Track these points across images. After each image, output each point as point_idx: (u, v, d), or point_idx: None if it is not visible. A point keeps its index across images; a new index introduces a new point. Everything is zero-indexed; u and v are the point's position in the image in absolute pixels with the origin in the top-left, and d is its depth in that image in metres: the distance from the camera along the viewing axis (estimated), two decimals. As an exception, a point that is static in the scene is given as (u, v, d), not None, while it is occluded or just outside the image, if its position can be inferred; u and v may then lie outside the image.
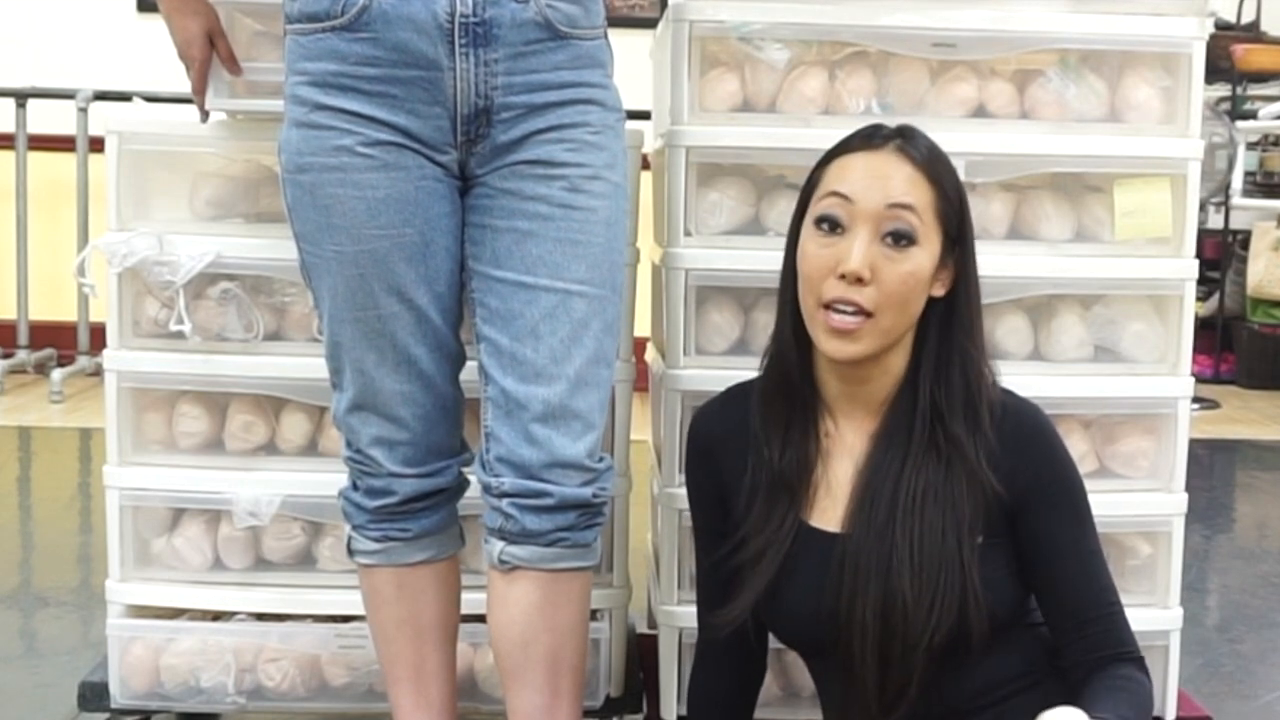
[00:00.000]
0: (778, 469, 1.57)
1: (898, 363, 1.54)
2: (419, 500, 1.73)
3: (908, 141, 1.53)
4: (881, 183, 1.49)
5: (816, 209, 1.51)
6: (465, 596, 1.85)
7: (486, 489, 1.65)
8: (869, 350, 1.49)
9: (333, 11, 1.59)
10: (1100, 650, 1.51)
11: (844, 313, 1.47)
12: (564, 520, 1.63)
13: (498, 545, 1.65)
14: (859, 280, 1.46)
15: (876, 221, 1.48)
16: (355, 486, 1.76)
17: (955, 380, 1.52)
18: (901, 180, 1.49)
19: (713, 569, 1.65)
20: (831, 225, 1.49)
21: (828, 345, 1.49)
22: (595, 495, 1.65)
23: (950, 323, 1.53)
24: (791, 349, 1.57)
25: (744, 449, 1.61)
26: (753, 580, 1.56)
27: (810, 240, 1.51)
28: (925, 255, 1.49)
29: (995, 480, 1.50)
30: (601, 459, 1.67)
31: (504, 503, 1.63)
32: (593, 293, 1.63)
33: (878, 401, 1.55)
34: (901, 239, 1.48)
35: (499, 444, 1.63)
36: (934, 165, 1.52)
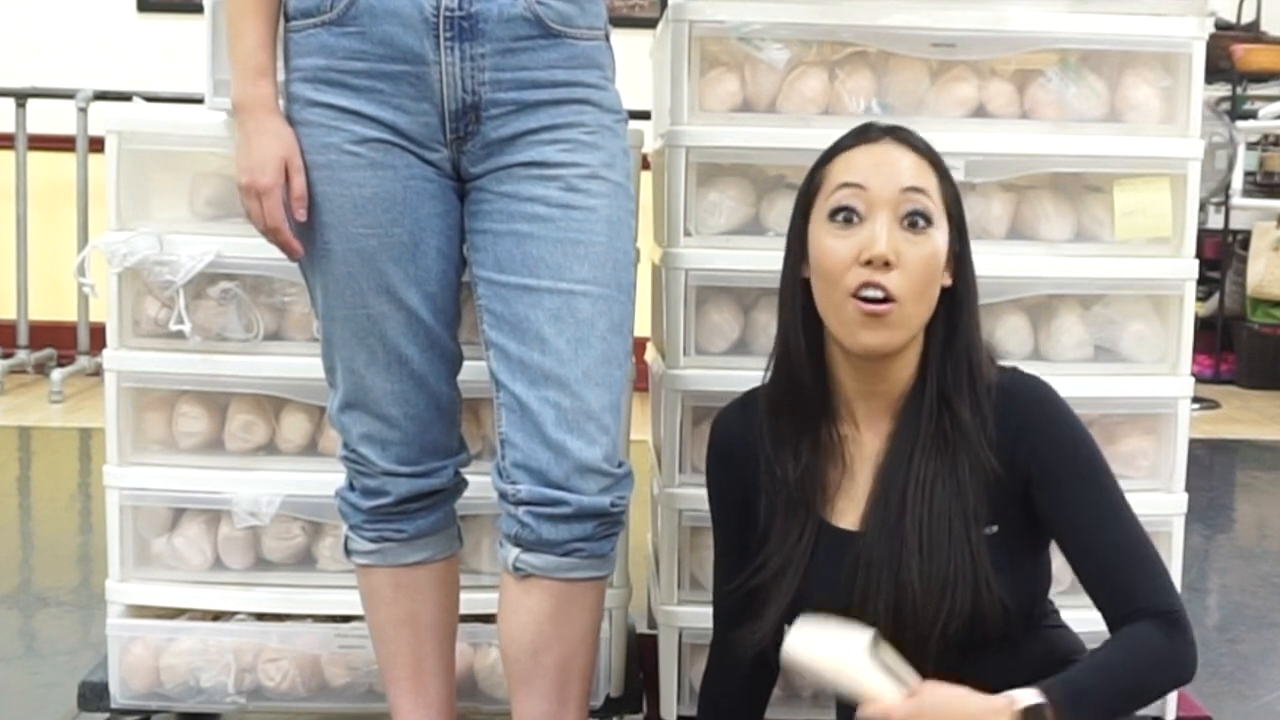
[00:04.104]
0: (793, 484, 1.56)
1: (911, 358, 1.54)
2: (414, 501, 1.73)
3: (902, 134, 1.54)
4: (891, 168, 1.49)
5: (829, 203, 1.50)
6: (465, 596, 1.85)
7: (503, 496, 1.63)
8: (899, 339, 1.48)
9: (322, 6, 1.60)
10: (1130, 602, 1.46)
11: (873, 299, 1.46)
12: (581, 530, 1.61)
13: (513, 552, 1.63)
14: (885, 265, 1.46)
15: (894, 205, 1.48)
16: (351, 486, 1.76)
17: (961, 367, 1.52)
18: (909, 165, 1.50)
19: (736, 587, 1.63)
20: (848, 216, 1.49)
21: (860, 337, 1.47)
22: (613, 504, 1.63)
23: (955, 312, 1.53)
24: (802, 355, 1.55)
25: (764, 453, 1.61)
26: (776, 597, 1.55)
27: (827, 235, 1.50)
28: (942, 237, 1.50)
29: (997, 461, 1.49)
30: (621, 464, 1.65)
31: (520, 510, 1.61)
32: (597, 292, 1.62)
33: (894, 398, 1.55)
34: (920, 220, 1.48)
35: (515, 450, 1.61)
36: (932, 153, 1.54)
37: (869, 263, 1.46)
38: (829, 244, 1.49)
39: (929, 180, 1.51)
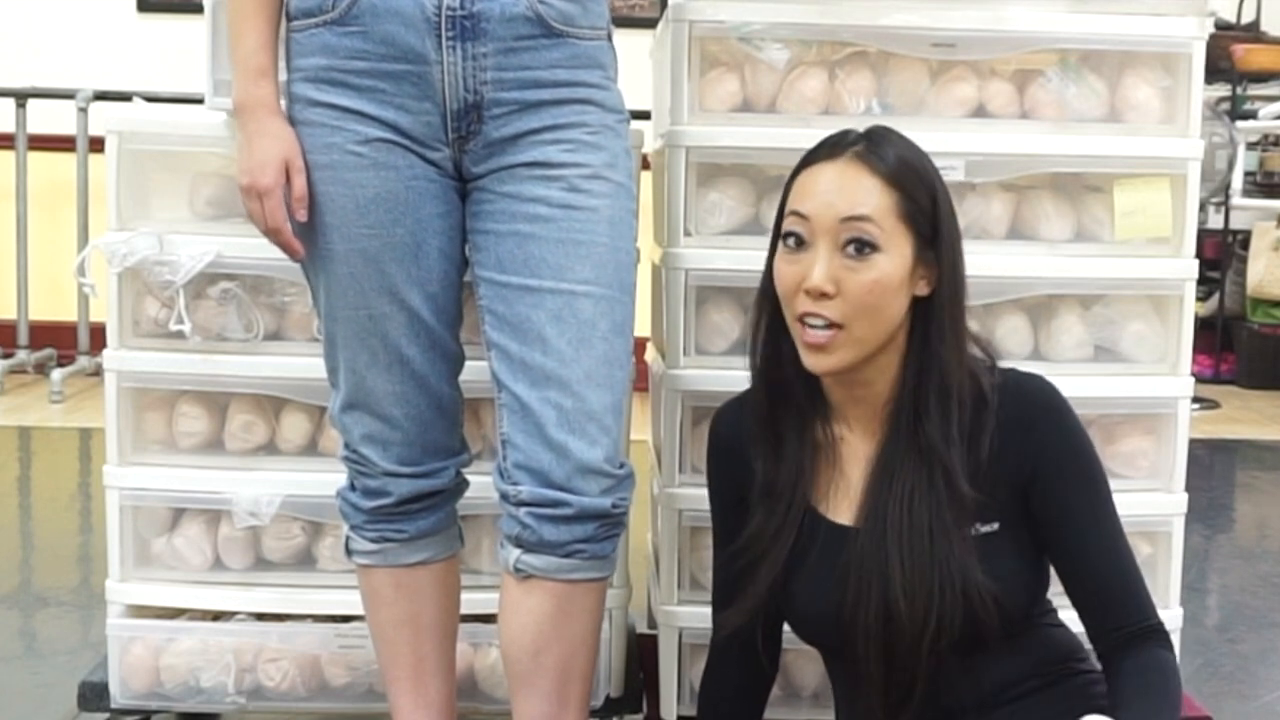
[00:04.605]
0: (768, 482, 1.57)
1: (888, 366, 1.54)
2: (415, 501, 1.73)
3: (870, 147, 1.51)
4: (836, 197, 1.48)
5: (783, 226, 1.53)
6: (465, 596, 1.85)
7: (504, 497, 1.63)
8: (845, 361, 1.49)
9: (324, 6, 1.60)
10: (1125, 622, 1.50)
11: (815, 326, 1.48)
12: (582, 531, 1.61)
13: (514, 553, 1.63)
14: (823, 295, 1.47)
15: (834, 234, 1.48)
16: (352, 486, 1.76)
17: (931, 377, 1.52)
18: (858, 191, 1.48)
19: (723, 569, 1.65)
20: (796, 242, 1.51)
21: (806, 360, 1.51)
22: (615, 506, 1.63)
23: (928, 324, 1.53)
24: (772, 361, 1.57)
25: None
26: (755, 584, 1.56)
27: (780, 258, 1.53)
28: (891, 261, 1.48)
29: (992, 461, 1.50)
30: (622, 465, 1.64)
31: (521, 512, 1.61)
32: (599, 293, 1.61)
33: (880, 404, 1.55)
34: (863, 247, 1.47)
35: (516, 450, 1.61)
36: (896, 169, 1.50)
37: (809, 292, 1.48)
38: (780, 267, 1.52)
39: (880, 202, 1.48)
